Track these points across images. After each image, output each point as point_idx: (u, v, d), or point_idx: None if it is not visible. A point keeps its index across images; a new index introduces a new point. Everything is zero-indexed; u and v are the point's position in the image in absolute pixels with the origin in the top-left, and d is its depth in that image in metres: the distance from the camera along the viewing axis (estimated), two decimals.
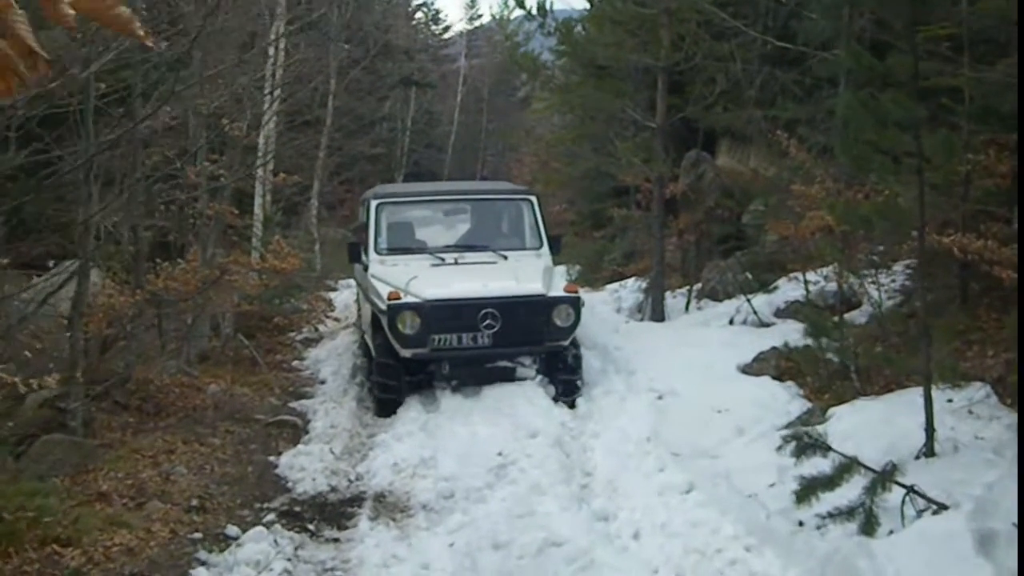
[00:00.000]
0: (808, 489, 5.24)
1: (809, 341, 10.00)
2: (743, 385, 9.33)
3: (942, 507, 5.24)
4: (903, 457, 6.77)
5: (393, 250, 10.73)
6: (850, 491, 5.46)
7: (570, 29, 12.69)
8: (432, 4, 40.55)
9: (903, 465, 5.86)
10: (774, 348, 9.86)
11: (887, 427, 7.24)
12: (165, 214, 11.40)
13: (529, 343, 9.63)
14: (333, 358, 12.56)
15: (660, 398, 9.19)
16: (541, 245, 10.97)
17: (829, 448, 5.31)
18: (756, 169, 14.88)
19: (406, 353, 9.50)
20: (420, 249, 10.88)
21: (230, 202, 12.33)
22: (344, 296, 17.30)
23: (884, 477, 5.23)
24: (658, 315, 12.79)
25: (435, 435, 8.58)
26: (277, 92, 13.45)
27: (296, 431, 9.30)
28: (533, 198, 11.38)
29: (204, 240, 12.04)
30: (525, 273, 10.11)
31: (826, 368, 9.05)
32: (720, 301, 12.80)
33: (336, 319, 14.53)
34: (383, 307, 9.50)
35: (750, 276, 12.62)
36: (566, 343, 9.71)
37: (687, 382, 9.46)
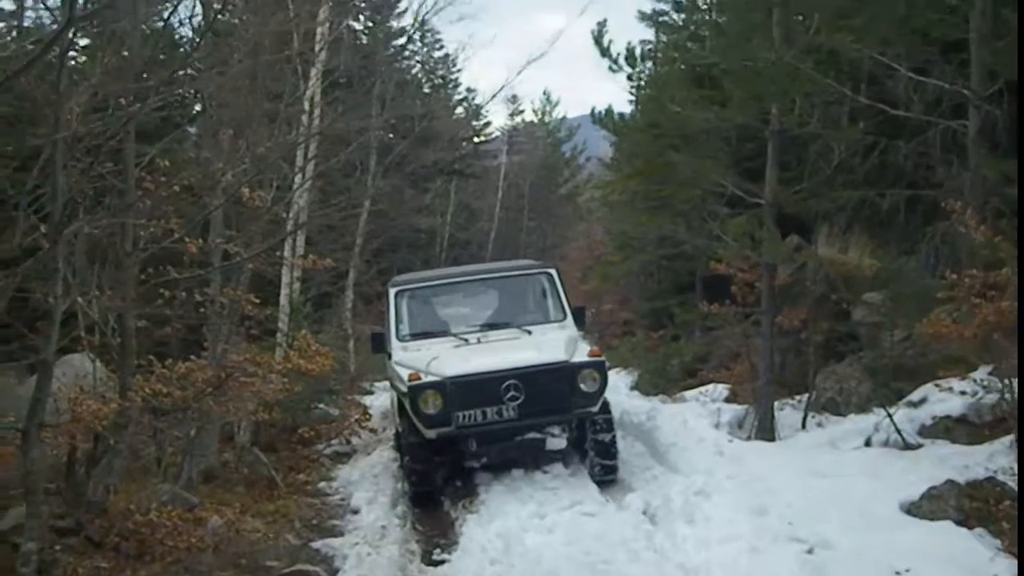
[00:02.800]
0: None
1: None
2: (918, 533, 6.94)
3: None
4: None
5: (416, 335, 10.44)
6: None
7: (660, 85, 10.71)
8: (473, 99, 39.03)
9: None
10: (950, 482, 7.51)
11: None
12: (167, 301, 9.23)
13: (556, 411, 9.25)
14: (368, 480, 10.34)
15: (810, 552, 6.78)
16: (565, 317, 10.65)
17: None
18: (870, 260, 12.74)
19: (431, 434, 9.15)
20: (443, 332, 10.52)
21: (248, 288, 10.21)
22: (382, 400, 15.10)
23: None
24: (767, 433, 10.45)
25: None
26: (312, 157, 11.44)
27: None
28: (553, 271, 11.18)
29: (215, 333, 9.91)
30: (547, 343, 9.86)
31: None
32: (843, 416, 10.44)
33: (372, 430, 12.28)
34: (405, 389, 9.26)
35: (877, 386, 10.36)
36: (595, 409, 9.31)
37: (840, 528, 7.07)
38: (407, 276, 12.27)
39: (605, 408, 9.47)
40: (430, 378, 9.16)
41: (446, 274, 12.36)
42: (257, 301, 10.59)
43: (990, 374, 9.76)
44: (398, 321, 10.52)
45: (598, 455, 9.37)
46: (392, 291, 10.75)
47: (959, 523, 7.05)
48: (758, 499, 7.91)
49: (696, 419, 10.83)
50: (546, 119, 55.46)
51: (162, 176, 8.08)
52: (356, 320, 19.30)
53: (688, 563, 7.11)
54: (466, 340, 10.15)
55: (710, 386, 14.57)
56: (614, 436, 9.48)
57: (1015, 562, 6.43)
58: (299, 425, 11.67)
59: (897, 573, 6.37)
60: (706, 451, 9.67)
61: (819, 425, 10.37)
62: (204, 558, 7.34)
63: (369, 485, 10.09)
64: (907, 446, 9.07)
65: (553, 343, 9.76)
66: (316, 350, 10.10)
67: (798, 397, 11.56)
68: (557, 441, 9.37)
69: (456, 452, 9.43)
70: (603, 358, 9.67)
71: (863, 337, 12.09)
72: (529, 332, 10.30)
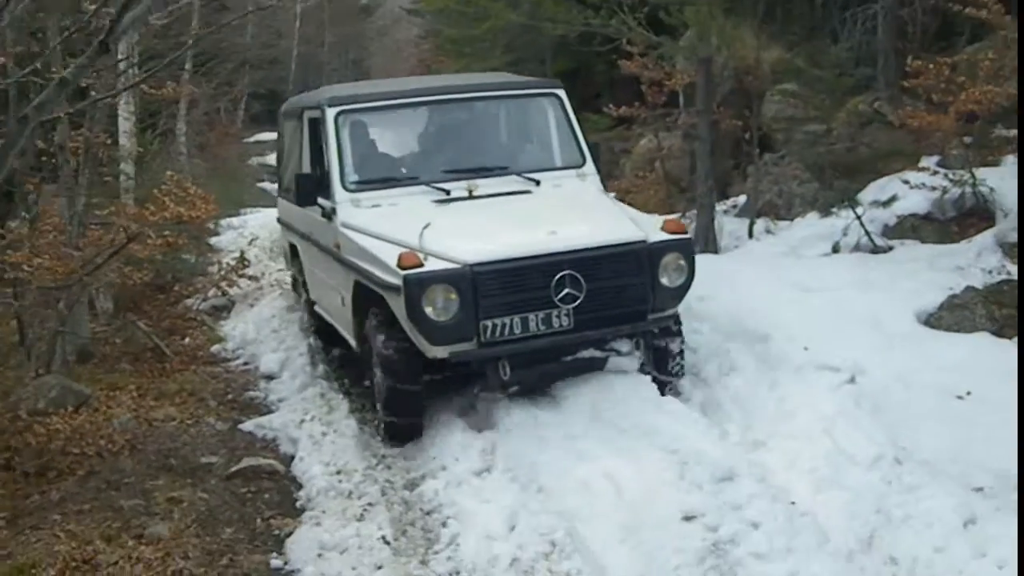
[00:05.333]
0: None
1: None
2: (958, 349, 6.23)
3: None
4: None
5: (368, 183, 6.91)
6: None
7: None
8: None
9: None
10: (971, 288, 6.81)
11: None
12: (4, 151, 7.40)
13: (629, 319, 6.11)
14: (269, 336, 8.92)
15: (852, 381, 5.93)
16: (584, 161, 7.25)
17: None
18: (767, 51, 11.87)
19: (440, 352, 5.89)
20: (409, 179, 7.08)
21: (104, 128, 8.42)
22: (237, 243, 13.45)
23: None
24: (711, 245, 9.47)
25: (540, 483, 5.10)
26: None
27: (281, 487, 5.77)
28: (560, 92, 7.53)
29: (69, 186, 8.14)
30: (593, 208, 6.77)
31: None
32: (790, 220, 9.59)
33: (253, 277, 10.75)
34: (394, 281, 5.83)
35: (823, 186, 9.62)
36: (675, 312, 6.41)
37: (867, 350, 6.22)
38: (347, 92, 7.86)
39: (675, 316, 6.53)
40: (441, 264, 5.84)
41: (406, 90, 7.90)
42: (110, 142, 8.90)
43: (938, 164, 9.15)
44: (341, 160, 6.93)
45: (661, 371, 6.44)
46: (331, 112, 7.05)
47: (995, 334, 6.38)
48: (747, 323, 6.99)
49: None
50: None
51: None
52: (193, 156, 17.30)
53: (692, 403, 6.25)
54: (448, 193, 6.82)
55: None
56: (683, 340, 6.57)
57: None
58: (168, 282, 10.10)
59: (959, 397, 5.64)
60: None
61: (768, 232, 9.45)
62: (122, 464, 5.96)
63: (274, 343, 8.67)
64: (876, 249, 8.37)
65: (602, 209, 6.78)
66: (195, 193, 8.42)
67: (727, 202, 10.71)
68: (626, 362, 6.26)
69: (468, 377, 6.38)
70: (689, 235, 6.86)
71: (781, 133, 11.24)
72: (537, 182, 7.03)
